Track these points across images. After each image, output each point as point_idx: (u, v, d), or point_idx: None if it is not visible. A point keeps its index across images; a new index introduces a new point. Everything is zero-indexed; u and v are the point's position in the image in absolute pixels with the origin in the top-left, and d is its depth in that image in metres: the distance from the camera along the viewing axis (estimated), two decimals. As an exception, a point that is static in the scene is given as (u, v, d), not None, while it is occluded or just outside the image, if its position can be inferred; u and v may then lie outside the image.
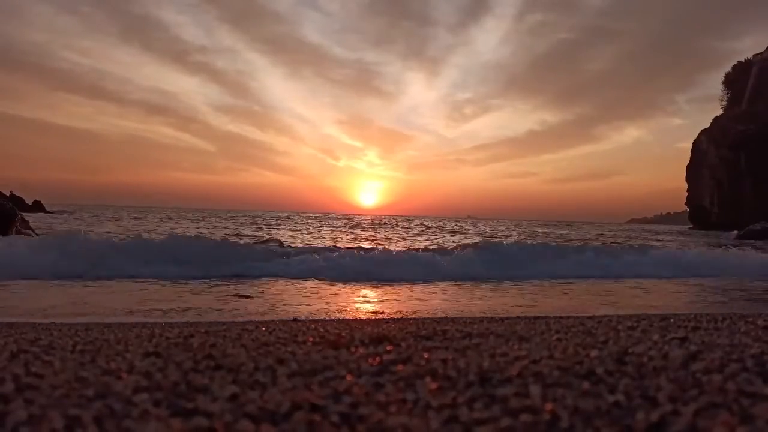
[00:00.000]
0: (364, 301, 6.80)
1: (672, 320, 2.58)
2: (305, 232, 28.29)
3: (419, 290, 7.77)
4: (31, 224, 15.41)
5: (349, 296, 7.23)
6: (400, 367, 1.45)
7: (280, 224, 37.20)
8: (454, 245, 14.37)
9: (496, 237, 27.95)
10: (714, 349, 1.63)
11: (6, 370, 1.41)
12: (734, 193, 67.53)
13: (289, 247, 13.40)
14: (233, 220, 41.48)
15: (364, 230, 32.96)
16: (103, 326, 3.52)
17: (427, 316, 5.26)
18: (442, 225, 48.04)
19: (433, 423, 0.99)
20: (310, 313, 5.49)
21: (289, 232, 26.67)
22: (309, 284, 8.19)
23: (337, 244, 16.52)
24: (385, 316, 5.41)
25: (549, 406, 1.07)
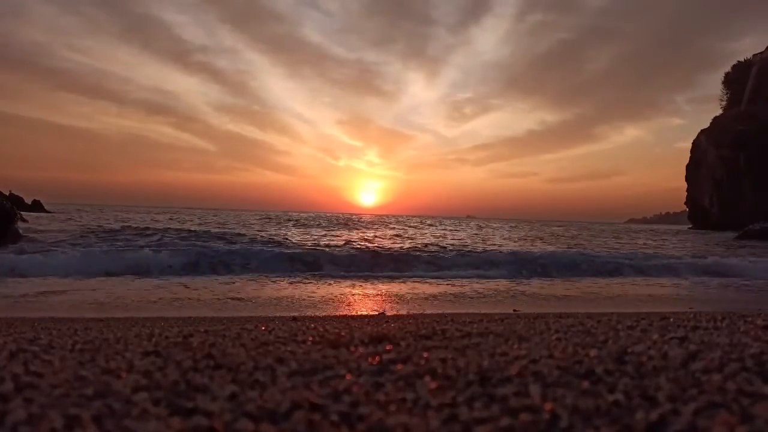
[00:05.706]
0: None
1: (671, 319, 2.58)
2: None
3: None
4: (30, 223, 15.40)
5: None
6: (399, 366, 1.45)
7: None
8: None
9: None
10: (713, 349, 1.63)
11: (5, 369, 1.40)
12: (734, 193, 67.52)
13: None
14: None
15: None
16: (103, 325, 3.52)
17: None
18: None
19: (432, 422, 0.99)
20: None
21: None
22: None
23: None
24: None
25: (548, 405, 1.07)
